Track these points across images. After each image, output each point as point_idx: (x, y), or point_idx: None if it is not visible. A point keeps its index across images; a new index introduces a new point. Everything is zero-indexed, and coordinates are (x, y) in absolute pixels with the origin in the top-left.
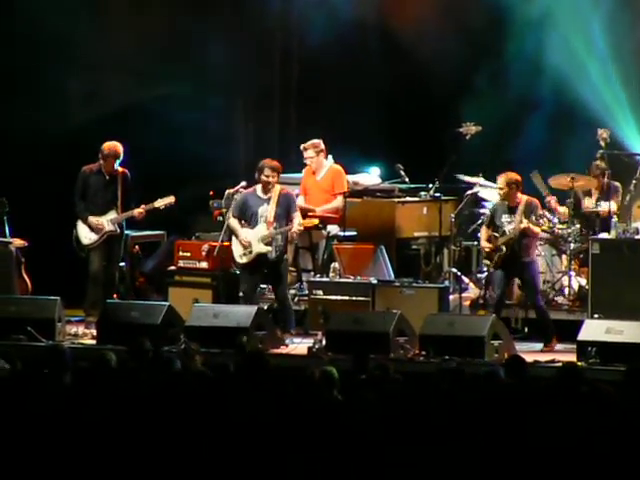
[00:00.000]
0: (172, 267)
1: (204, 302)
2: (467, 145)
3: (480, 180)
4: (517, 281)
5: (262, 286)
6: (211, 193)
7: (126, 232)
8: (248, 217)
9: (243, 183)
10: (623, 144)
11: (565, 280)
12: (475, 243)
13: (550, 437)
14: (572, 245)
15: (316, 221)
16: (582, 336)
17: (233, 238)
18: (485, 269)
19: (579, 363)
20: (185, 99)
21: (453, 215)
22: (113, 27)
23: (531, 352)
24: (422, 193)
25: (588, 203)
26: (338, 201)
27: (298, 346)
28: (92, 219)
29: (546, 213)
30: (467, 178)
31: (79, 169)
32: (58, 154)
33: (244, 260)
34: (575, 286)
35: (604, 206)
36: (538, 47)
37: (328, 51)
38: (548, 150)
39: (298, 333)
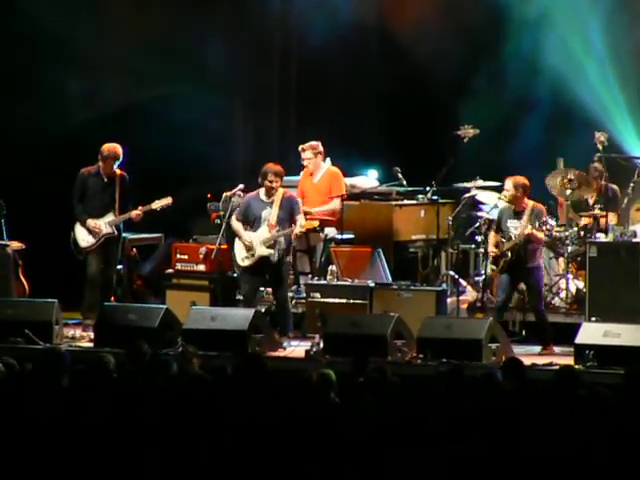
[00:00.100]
0: (170, 270)
1: (201, 305)
2: (465, 148)
3: (478, 183)
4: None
5: (260, 289)
6: (209, 196)
7: (124, 235)
8: (251, 221)
9: (241, 186)
10: (620, 147)
11: (562, 283)
12: (472, 246)
13: (548, 440)
14: (570, 248)
15: (316, 223)
16: (579, 339)
17: (236, 241)
18: (483, 272)
19: (576, 366)
20: (184, 99)
21: (450, 218)
22: (113, 27)
23: (529, 355)
24: (420, 196)
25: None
26: (334, 203)
27: (296, 349)
28: (90, 222)
29: (549, 220)
30: (465, 184)
31: (78, 171)
32: (57, 155)
33: (246, 263)
34: (573, 289)
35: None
36: (536, 48)
37: (328, 52)
38: (546, 151)
39: (296, 336)
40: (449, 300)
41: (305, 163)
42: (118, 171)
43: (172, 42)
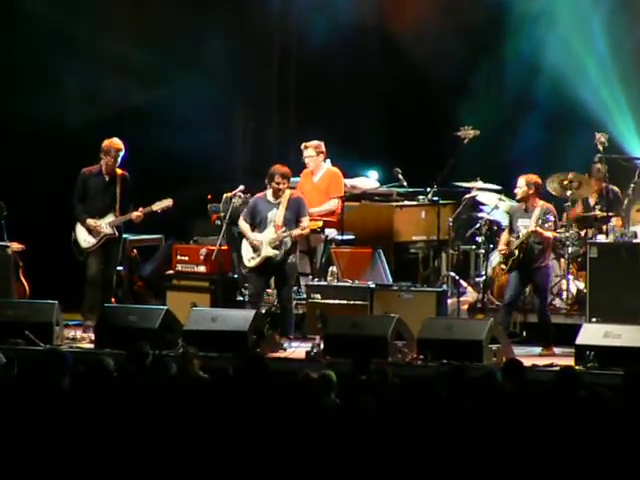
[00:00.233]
0: (170, 271)
1: (202, 306)
2: (465, 149)
3: (478, 184)
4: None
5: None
6: (209, 197)
7: (124, 236)
8: (258, 222)
9: (241, 187)
10: (621, 147)
11: (563, 284)
12: (473, 247)
13: (548, 441)
14: (570, 249)
15: (320, 223)
16: (580, 340)
17: (243, 241)
18: (483, 273)
19: (577, 367)
20: (184, 99)
21: (451, 219)
22: (113, 27)
23: (529, 356)
24: (420, 197)
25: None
26: (332, 204)
27: (296, 350)
28: (90, 221)
29: (550, 217)
30: (465, 184)
31: (78, 171)
32: (57, 156)
33: (252, 264)
34: (573, 290)
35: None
36: (537, 47)
37: (327, 52)
38: (546, 152)
39: (296, 337)
40: (450, 301)
41: (306, 161)
42: (119, 171)
43: (172, 42)
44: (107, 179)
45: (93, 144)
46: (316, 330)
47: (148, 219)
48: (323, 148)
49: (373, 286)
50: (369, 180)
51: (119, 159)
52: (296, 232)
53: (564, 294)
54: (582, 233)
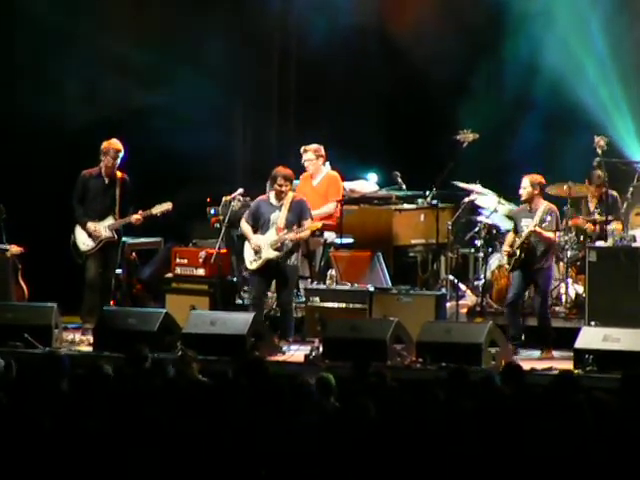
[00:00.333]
0: (169, 274)
1: (201, 309)
2: (464, 152)
3: (477, 187)
4: None
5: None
6: (208, 200)
7: (123, 239)
8: (260, 224)
9: (240, 190)
10: (620, 150)
11: (562, 288)
12: (472, 250)
13: (546, 445)
14: (569, 253)
15: (319, 224)
16: (579, 344)
17: (245, 243)
18: (482, 276)
19: (576, 371)
20: (183, 100)
21: (450, 223)
22: (113, 27)
23: (528, 359)
24: (419, 200)
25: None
26: (329, 206)
27: (295, 353)
28: (90, 225)
29: (547, 217)
30: (463, 185)
31: (77, 173)
32: (56, 158)
33: (254, 266)
34: (572, 294)
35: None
36: (536, 48)
37: (327, 53)
38: (545, 153)
39: (295, 340)
40: (448, 304)
41: (306, 164)
42: (119, 173)
43: (172, 42)
44: (107, 181)
45: (93, 145)
46: (315, 333)
47: (147, 222)
48: (322, 151)
49: (372, 289)
50: (368, 183)
51: (118, 160)
52: (291, 235)
53: (563, 298)
54: (581, 237)
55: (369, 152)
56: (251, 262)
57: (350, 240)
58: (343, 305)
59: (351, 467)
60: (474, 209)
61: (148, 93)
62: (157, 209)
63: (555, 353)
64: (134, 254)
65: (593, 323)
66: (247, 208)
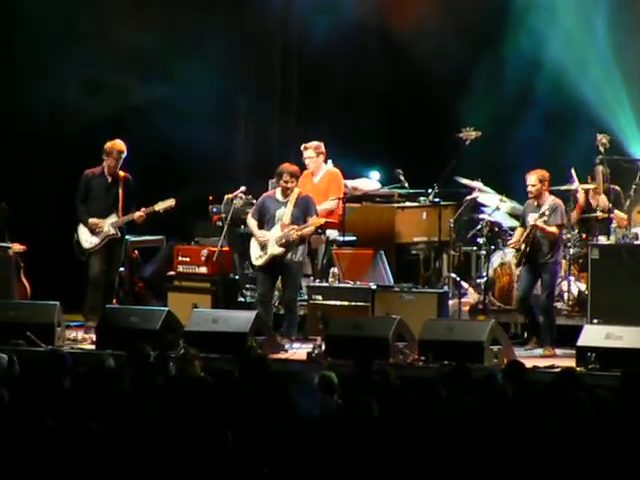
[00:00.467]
0: (171, 272)
1: (203, 307)
2: (467, 150)
3: (479, 185)
4: (516, 286)
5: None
6: (210, 198)
7: (126, 237)
8: (266, 220)
9: (243, 188)
10: (623, 147)
11: (564, 285)
12: (474, 248)
13: (548, 443)
14: (571, 250)
15: (322, 220)
16: (581, 341)
17: (252, 240)
18: (484, 274)
19: (578, 369)
20: (185, 98)
21: (452, 220)
22: (113, 27)
23: (530, 357)
24: (421, 198)
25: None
26: (330, 203)
27: (297, 351)
28: (92, 220)
29: (546, 211)
30: (465, 181)
31: (79, 172)
32: (57, 157)
33: (259, 262)
34: (574, 291)
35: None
36: (538, 44)
37: (328, 51)
38: (547, 150)
39: (297, 338)
40: (451, 302)
41: (306, 162)
42: (122, 173)
43: (173, 40)
44: (110, 180)
45: (94, 143)
46: (317, 331)
47: (150, 220)
48: (323, 149)
49: (374, 287)
50: (370, 181)
51: (121, 161)
52: (295, 231)
53: (565, 295)
54: (583, 235)
55: (371, 150)
56: (257, 258)
57: (352, 238)
58: (345, 303)
59: (354, 465)
60: (476, 207)
61: (149, 91)
62: (160, 206)
63: (557, 351)
64: (136, 252)
65: (595, 321)
66: (249, 206)
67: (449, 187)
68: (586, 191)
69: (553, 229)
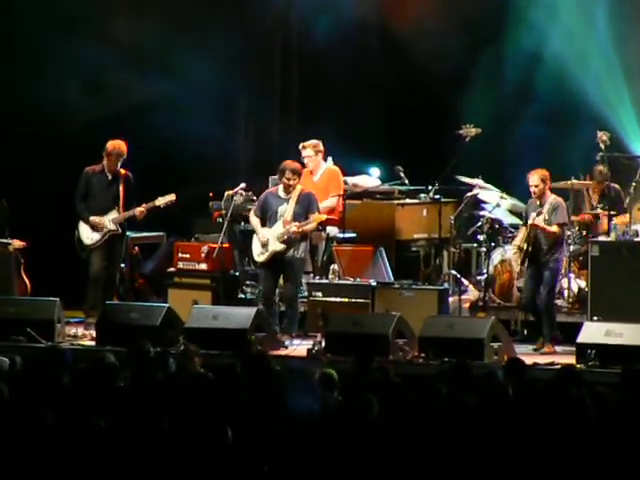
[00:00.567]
0: (171, 269)
1: (203, 304)
2: (467, 147)
3: (479, 182)
4: (516, 283)
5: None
6: (211, 194)
7: (126, 233)
8: (268, 216)
9: (243, 185)
10: (623, 144)
11: (565, 282)
12: (474, 245)
13: (548, 439)
14: (572, 247)
15: (324, 217)
16: (581, 338)
17: (254, 236)
18: (485, 271)
19: (578, 366)
20: (186, 96)
21: (452, 217)
22: (113, 27)
23: (530, 354)
24: (422, 195)
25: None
26: (331, 201)
27: (297, 348)
28: (93, 218)
29: (543, 210)
30: (466, 179)
31: (79, 169)
32: (58, 154)
33: (261, 259)
34: (575, 288)
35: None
36: (539, 40)
37: (329, 49)
38: (548, 147)
39: (297, 335)
40: (451, 299)
41: (305, 161)
42: (123, 170)
43: (174, 39)
44: (110, 177)
45: (94, 143)
46: (317, 328)
47: (150, 216)
48: (321, 147)
49: (374, 284)
50: (371, 178)
51: (120, 162)
52: (294, 228)
53: (565, 292)
54: (584, 232)
55: (371, 147)
56: (258, 255)
57: (353, 235)
58: (345, 300)
59: (354, 462)
60: (477, 204)
61: (149, 90)
62: (160, 201)
63: (557, 348)
64: (137, 248)
65: (595, 318)
66: (249, 203)
67: (449, 184)
68: (586, 189)
69: (554, 228)
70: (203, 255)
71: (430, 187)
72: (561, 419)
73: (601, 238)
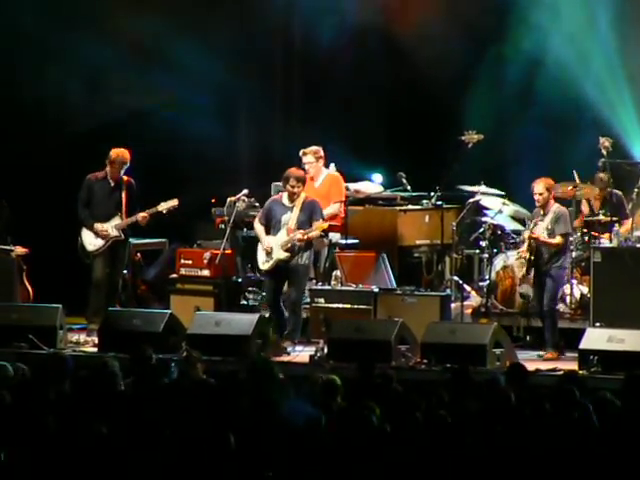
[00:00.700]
0: (174, 275)
1: (206, 310)
2: (469, 153)
3: (482, 188)
4: (518, 289)
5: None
6: (213, 201)
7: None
8: (272, 224)
9: (245, 191)
10: (626, 149)
11: (567, 288)
12: (477, 251)
13: (551, 446)
14: (574, 253)
15: (326, 225)
16: (584, 344)
17: (259, 244)
18: (487, 277)
19: (581, 371)
20: (186, 100)
21: (455, 223)
22: (113, 29)
23: (533, 360)
24: (424, 201)
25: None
26: (333, 208)
27: (300, 354)
28: (97, 225)
29: (539, 221)
30: (468, 188)
31: (81, 175)
32: (60, 160)
33: (266, 267)
34: (577, 294)
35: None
36: (541, 44)
37: (331, 52)
38: (550, 151)
39: (300, 341)
40: (453, 305)
41: (306, 167)
42: (125, 177)
43: (173, 42)
44: (112, 184)
45: (95, 143)
46: (320, 334)
47: (152, 223)
48: (322, 153)
49: (377, 290)
50: (373, 184)
51: (123, 170)
52: (299, 235)
53: (568, 298)
54: (586, 238)
55: (373, 152)
56: (263, 263)
57: (355, 241)
58: (348, 306)
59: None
60: (479, 210)
61: (149, 91)
62: (163, 206)
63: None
64: (139, 255)
65: (598, 324)
66: (252, 209)
67: (451, 190)
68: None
69: (557, 240)
70: (205, 261)
71: (432, 193)
72: (563, 425)
73: (603, 244)
